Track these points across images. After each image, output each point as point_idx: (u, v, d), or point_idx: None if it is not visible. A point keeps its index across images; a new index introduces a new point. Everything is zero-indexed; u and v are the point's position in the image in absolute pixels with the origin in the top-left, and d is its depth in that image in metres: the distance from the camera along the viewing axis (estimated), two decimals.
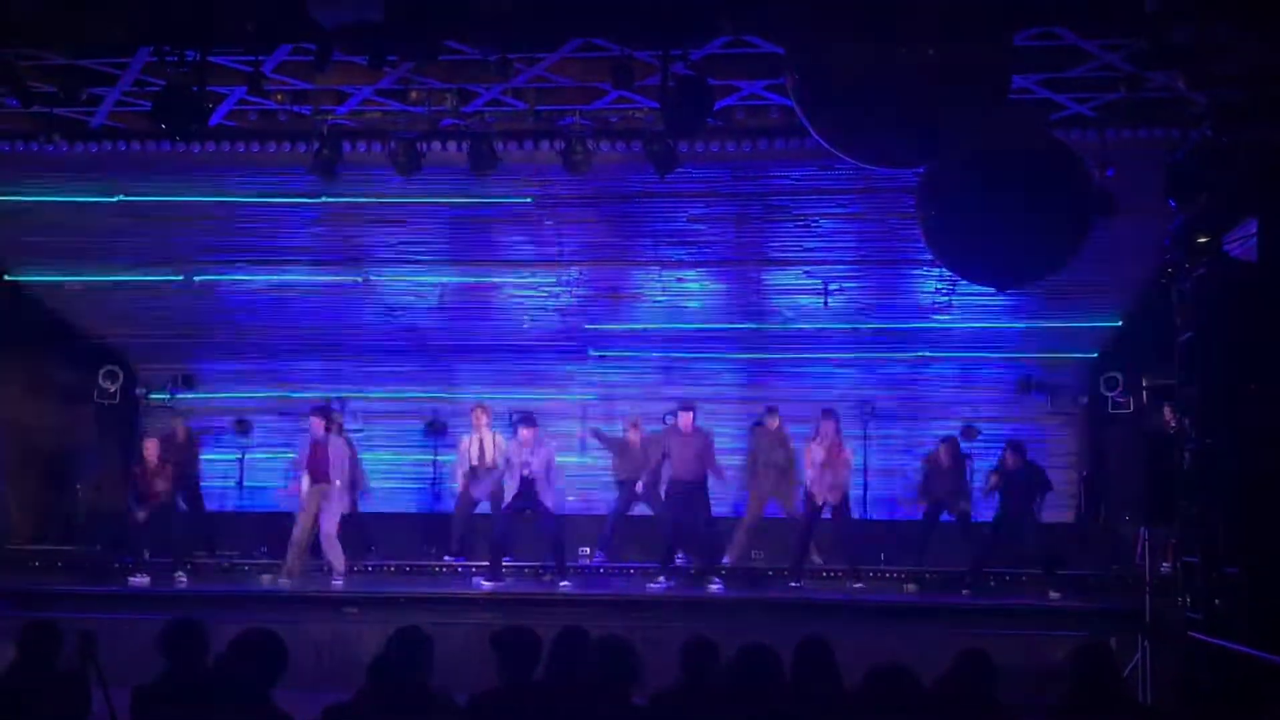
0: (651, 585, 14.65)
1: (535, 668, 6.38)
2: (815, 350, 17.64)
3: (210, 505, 17.73)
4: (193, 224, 15.91)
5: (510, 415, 16.63)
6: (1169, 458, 12.54)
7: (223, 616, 7.19)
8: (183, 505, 16.96)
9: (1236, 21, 9.70)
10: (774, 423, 16.29)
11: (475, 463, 15.98)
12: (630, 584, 15.10)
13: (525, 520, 14.89)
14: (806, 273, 16.39)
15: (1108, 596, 13.69)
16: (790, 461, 16.10)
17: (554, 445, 15.35)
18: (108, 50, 11.72)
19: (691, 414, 15.20)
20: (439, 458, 17.85)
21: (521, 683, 6.30)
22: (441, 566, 15.75)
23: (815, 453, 15.04)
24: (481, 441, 15.93)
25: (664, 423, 16.72)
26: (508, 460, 14.83)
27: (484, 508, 16.30)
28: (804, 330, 17.30)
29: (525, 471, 14.54)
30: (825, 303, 16.54)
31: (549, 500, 14.60)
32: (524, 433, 14.79)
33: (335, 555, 14.71)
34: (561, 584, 14.41)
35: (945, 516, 15.63)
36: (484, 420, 16.07)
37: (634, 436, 16.77)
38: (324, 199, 15.26)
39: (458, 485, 16.42)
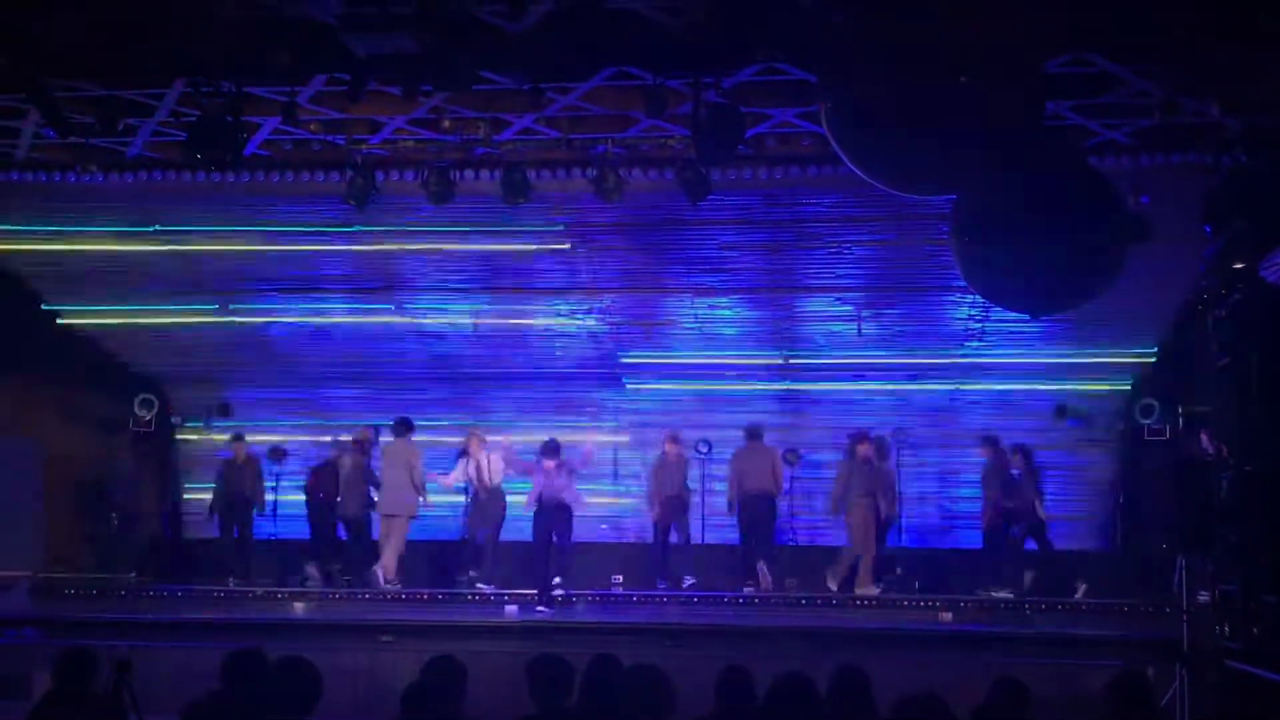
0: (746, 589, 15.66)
1: (568, 696, 6.37)
2: (848, 378, 17.58)
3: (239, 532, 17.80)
4: (228, 253, 16.01)
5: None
6: (1206, 485, 12.45)
7: (257, 644, 7.18)
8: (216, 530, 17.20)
9: (1270, 47, 9.67)
10: (865, 448, 16.40)
11: (474, 485, 16.38)
12: (663, 612, 15.08)
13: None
14: (839, 300, 16.36)
15: (1145, 625, 13.58)
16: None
17: (574, 466, 15.47)
18: (144, 81, 11.83)
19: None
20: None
21: (555, 711, 6.29)
22: (474, 594, 15.72)
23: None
24: (478, 464, 16.19)
25: (698, 451, 16.81)
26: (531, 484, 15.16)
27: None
28: (837, 357, 17.27)
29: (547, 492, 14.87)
30: (859, 330, 16.52)
31: (571, 500, 15.01)
32: (546, 464, 15.01)
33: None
34: (538, 609, 14.43)
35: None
36: (478, 446, 16.35)
37: (671, 450, 16.79)
38: (358, 228, 15.33)
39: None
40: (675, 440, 16.84)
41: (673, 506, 16.54)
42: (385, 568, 15.89)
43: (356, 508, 16.85)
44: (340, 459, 17.04)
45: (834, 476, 16.36)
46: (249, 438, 17.70)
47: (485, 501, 16.36)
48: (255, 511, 17.40)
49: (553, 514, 14.95)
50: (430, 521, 16.91)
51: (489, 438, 16.58)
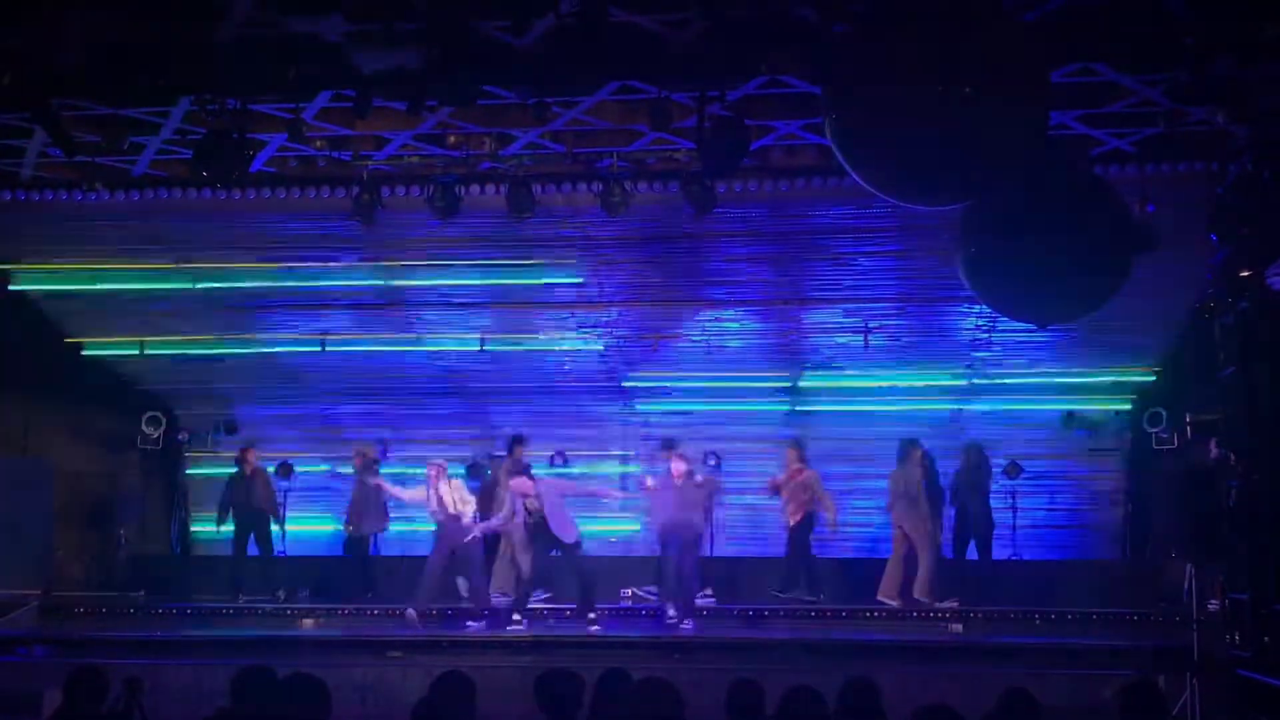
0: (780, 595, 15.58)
1: (578, 712, 6.36)
2: (856, 389, 17.57)
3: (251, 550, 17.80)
4: (233, 270, 16.02)
5: (552, 458, 16.62)
6: (1215, 493, 12.43)
7: (266, 661, 7.19)
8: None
9: (1276, 55, 9.67)
10: (916, 454, 16.28)
11: (439, 515, 15.13)
12: (673, 625, 15.02)
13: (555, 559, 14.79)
14: (846, 311, 16.35)
15: (1155, 634, 13.54)
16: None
17: (553, 484, 14.91)
18: (149, 99, 11.86)
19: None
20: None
21: None
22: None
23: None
24: (439, 494, 15.10)
25: (705, 464, 16.67)
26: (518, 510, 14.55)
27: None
28: (844, 369, 17.27)
29: (531, 519, 14.42)
30: (865, 341, 16.50)
31: (564, 534, 14.36)
32: (520, 483, 14.49)
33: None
34: (591, 627, 14.05)
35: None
36: (437, 475, 15.22)
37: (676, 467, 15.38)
38: (363, 244, 15.33)
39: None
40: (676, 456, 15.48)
41: (674, 531, 15.10)
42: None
43: (376, 526, 16.91)
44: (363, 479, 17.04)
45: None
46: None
47: (447, 527, 15.11)
48: (272, 523, 17.23)
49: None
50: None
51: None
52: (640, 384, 17.78)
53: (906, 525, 15.83)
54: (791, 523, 15.97)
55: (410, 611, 14.42)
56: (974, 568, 16.00)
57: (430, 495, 15.17)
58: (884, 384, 17.27)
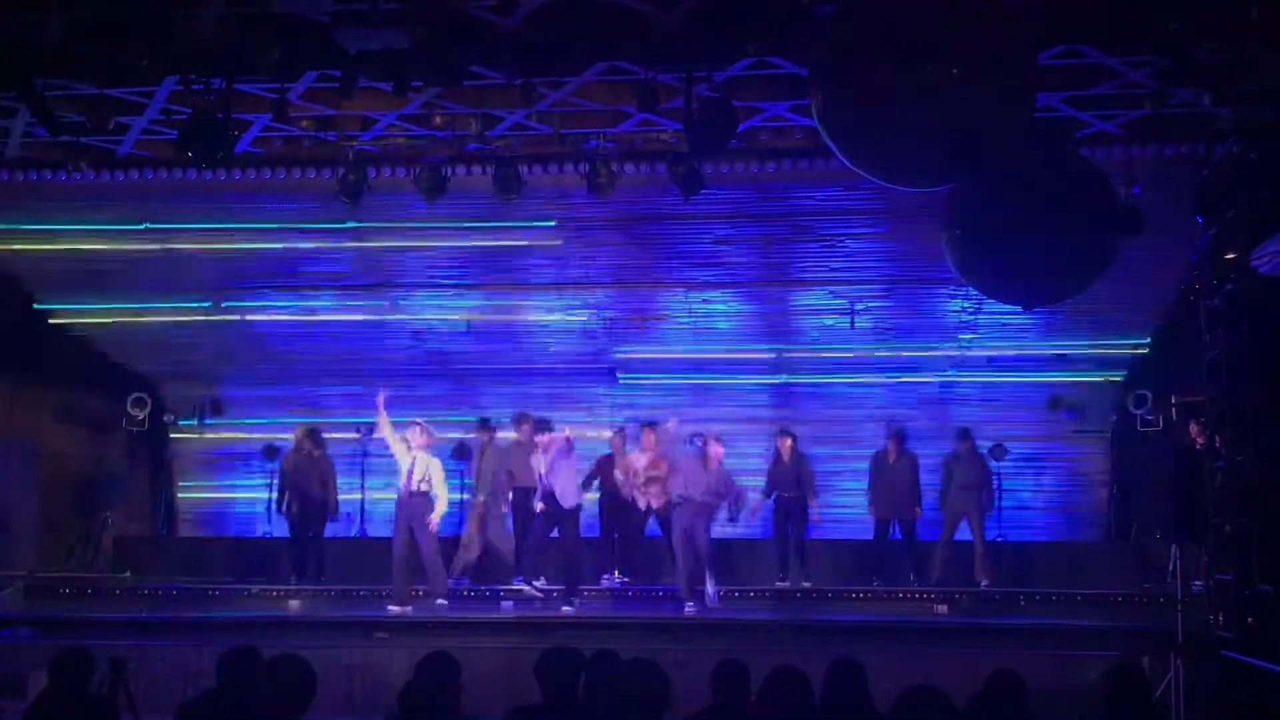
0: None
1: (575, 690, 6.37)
2: (842, 371, 17.60)
3: (237, 531, 17.77)
4: (219, 251, 15.99)
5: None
6: (1199, 474, 12.47)
7: (252, 642, 7.19)
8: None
9: (1261, 38, 9.68)
10: (965, 445, 16.36)
11: (400, 488, 14.37)
12: (659, 606, 15.04)
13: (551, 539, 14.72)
14: (833, 293, 16.37)
15: (1139, 615, 13.60)
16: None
17: (564, 444, 14.50)
18: (134, 79, 11.80)
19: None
20: (466, 482, 17.81)
21: (558, 704, 6.29)
22: (470, 590, 15.62)
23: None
24: (414, 462, 14.26)
25: (692, 444, 16.61)
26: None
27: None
28: (831, 350, 17.29)
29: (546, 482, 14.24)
30: (852, 323, 16.52)
31: (568, 501, 14.29)
32: (541, 439, 14.29)
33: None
34: (564, 608, 13.97)
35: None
36: (422, 441, 14.35)
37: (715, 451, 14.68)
38: (349, 224, 15.29)
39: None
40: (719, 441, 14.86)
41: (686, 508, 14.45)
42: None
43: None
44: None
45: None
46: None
47: (407, 504, 14.31)
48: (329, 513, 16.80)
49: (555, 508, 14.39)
50: None
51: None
52: (628, 365, 17.80)
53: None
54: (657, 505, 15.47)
55: (393, 608, 13.98)
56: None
57: (406, 460, 14.33)
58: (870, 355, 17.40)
